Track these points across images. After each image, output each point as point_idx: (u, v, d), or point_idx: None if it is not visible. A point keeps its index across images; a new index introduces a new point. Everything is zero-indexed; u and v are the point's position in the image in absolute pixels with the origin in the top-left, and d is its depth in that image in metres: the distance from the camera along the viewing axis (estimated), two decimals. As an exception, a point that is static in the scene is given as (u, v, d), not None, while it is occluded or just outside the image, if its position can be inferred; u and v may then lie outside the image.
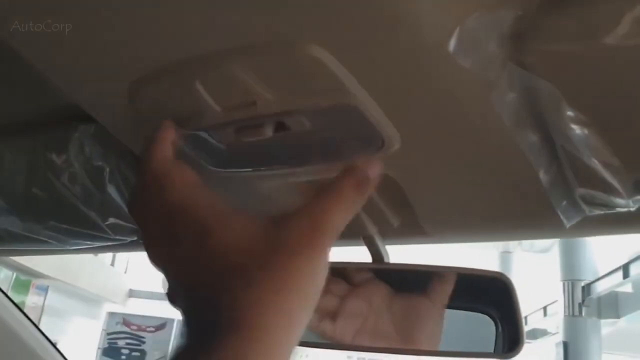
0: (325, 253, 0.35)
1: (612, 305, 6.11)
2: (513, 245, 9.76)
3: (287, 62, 0.40)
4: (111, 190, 0.60)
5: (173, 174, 0.39)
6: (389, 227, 0.58)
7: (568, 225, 0.47)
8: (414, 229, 0.58)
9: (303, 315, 0.33)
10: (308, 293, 0.34)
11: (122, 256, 10.46)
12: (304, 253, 0.34)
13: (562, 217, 0.47)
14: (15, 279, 8.07)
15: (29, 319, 0.99)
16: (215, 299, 0.32)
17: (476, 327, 0.60)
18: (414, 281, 0.62)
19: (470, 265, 0.59)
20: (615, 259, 5.84)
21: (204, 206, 0.37)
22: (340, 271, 0.67)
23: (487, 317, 0.58)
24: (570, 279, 6.23)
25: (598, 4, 0.35)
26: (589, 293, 6.08)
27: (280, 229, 0.35)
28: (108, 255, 10.34)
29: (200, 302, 0.33)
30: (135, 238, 0.66)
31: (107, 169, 0.59)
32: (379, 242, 0.59)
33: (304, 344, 0.68)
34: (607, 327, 6.49)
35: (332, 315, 0.61)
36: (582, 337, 5.96)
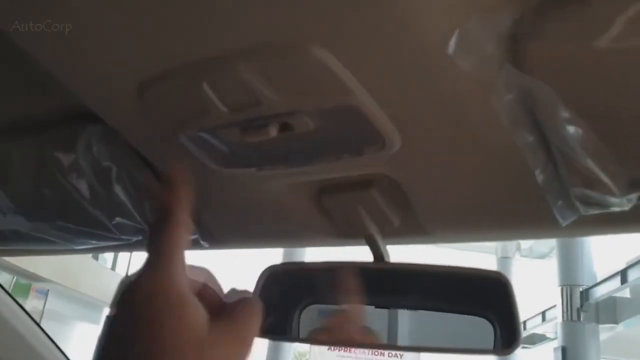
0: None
1: (611, 311, 6.12)
2: (512, 250, 9.77)
3: (292, 63, 0.41)
4: (118, 190, 0.61)
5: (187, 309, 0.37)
6: (389, 226, 0.59)
7: (564, 224, 0.48)
8: (414, 229, 0.60)
9: None
10: None
11: (123, 260, 10.43)
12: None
13: (558, 216, 0.48)
14: (15, 282, 8.05)
15: (35, 322, 0.99)
16: None
17: (474, 328, 0.61)
18: (412, 281, 0.63)
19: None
20: (613, 265, 5.85)
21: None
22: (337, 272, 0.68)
23: (484, 320, 0.59)
24: (568, 284, 6.22)
25: (592, 6, 0.36)
26: (587, 298, 6.08)
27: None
28: (109, 259, 10.32)
29: None
30: (140, 237, 0.67)
31: (114, 169, 0.60)
32: (379, 241, 0.60)
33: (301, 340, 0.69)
34: (606, 332, 6.49)
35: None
36: (581, 342, 5.95)
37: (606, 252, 6.59)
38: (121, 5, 0.39)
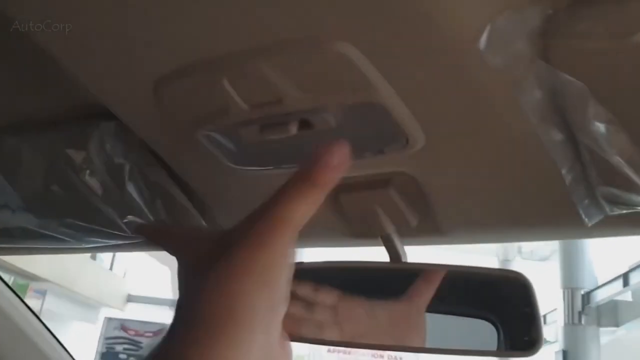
0: (283, 246, 0.35)
1: (612, 314, 6.11)
2: (513, 253, 9.76)
3: (315, 59, 0.41)
4: (130, 188, 0.60)
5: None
6: (406, 226, 0.58)
7: (590, 224, 0.48)
8: (431, 229, 0.59)
9: (265, 306, 0.34)
10: (268, 283, 0.34)
11: (121, 260, 10.43)
12: (258, 245, 0.35)
13: (583, 216, 0.47)
14: (14, 282, 8.04)
15: (39, 319, 0.98)
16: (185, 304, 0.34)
17: (492, 329, 0.60)
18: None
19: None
20: (615, 268, 5.84)
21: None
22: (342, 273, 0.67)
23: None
24: (569, 287, 6.22)
25: (627, 3, 0.36)
26: (588, 301, 6.07)
27: (238, 226, 0.36)
28: (107, 260, 10.31)
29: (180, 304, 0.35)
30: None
31: (127, 167, 0.59)
32: (396, 241, 0.59)
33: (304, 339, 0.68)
34: (607, 335, 6.49)
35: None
36: (582, 345, 5.95)
37: (608, 255, 6.58)
38: (138, 2, 0.38)
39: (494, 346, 0.58)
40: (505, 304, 0.60)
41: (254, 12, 0.38)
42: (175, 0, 0.38)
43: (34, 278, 8.10)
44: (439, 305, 0.65)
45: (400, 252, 0.59)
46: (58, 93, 0.58)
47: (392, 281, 0.66)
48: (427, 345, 0.66)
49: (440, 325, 0.64)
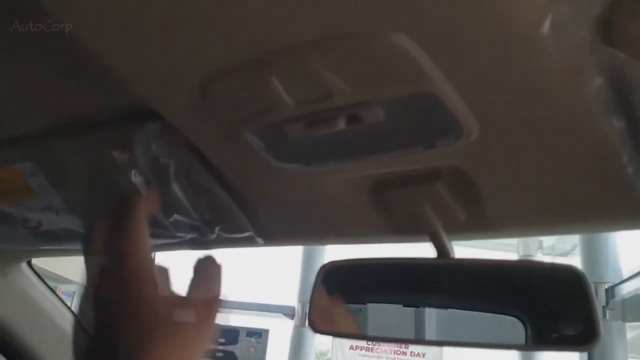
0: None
1: (638, 308, 6.00)
2: (534, 248, 9.64)
3: (368, 51, 0.40)
4: (176, 188, 0.60)
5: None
6: (455, 221, 0.57)
7: None
8: (481, 224, 0.58)
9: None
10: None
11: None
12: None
13: (644, 206, 0.46)
14: (41, 285, 8.14)
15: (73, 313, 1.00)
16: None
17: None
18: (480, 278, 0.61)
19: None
20: (640, 261, 5.74)
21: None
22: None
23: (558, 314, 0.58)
24: (593, 281, 6.08)
25: None
26: (613, 296, 5.96)
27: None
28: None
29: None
30: (195, 235, 0.67)
31: (172, 167, 0.59)
32: (444, 236, 0.58)
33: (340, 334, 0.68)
34: (633, 330, 6.37)
35: None
36: (607, 340, 5.84)
37: (632, 248, 6.46)
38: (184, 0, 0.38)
39: (547, 341, 0.57)
40: (556, 297, 0.59)
41: (302, 6, 0.37)
42: None
43: (62, 281, 8.21)
44: (480, 300, 0.65)
45: (449, 249, 0.58)
46: (102, 94, 0.59)
47: (439, 277, 0.65)
48: (469, 340, 0.65)
49: (485, 321, 0.63)
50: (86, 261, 0.53)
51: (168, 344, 0.47)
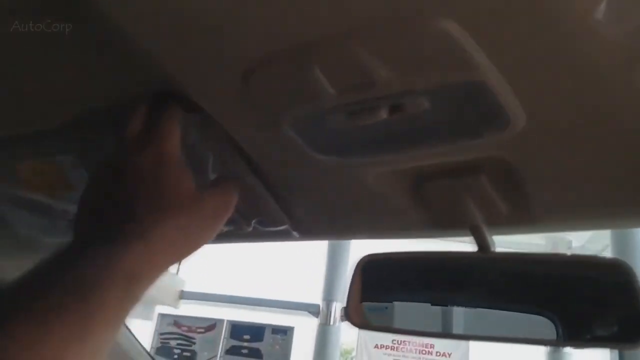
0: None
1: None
2: (563, 248, 9.49)
3: (413, 38, 0.39)
4: (213, 178, 0.60)
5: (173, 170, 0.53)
6: (497, 215, 0.56)
7: None
8: (524, 217, 0.56)
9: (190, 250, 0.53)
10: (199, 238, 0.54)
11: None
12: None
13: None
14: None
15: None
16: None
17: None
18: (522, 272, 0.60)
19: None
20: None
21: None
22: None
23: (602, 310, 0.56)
24: (626, 281, 5.98)
25: None
26: (646, 296, 5.83)
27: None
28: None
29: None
30: (231, 227, 0.66)
31: (211, 158, 0.59)
32: (485, 230, 0.57)
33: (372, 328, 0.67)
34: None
35: None
36: (640, 343, 5.72)
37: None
38: None
39: (581, 337, 0.55)
40: (599, 292, 0.57)
41: None
42: None
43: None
44: (512, 300, 0.63)
45: (490, 243, 0.57)
46: (142, 85, 0.59)
47: (474, 274, 0.64)
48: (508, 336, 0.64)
49: (514, 317, 0.62)
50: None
51: (183, 214, 0.51)
